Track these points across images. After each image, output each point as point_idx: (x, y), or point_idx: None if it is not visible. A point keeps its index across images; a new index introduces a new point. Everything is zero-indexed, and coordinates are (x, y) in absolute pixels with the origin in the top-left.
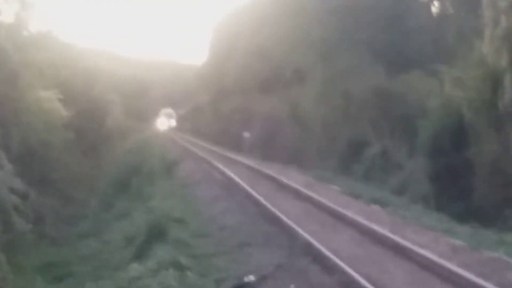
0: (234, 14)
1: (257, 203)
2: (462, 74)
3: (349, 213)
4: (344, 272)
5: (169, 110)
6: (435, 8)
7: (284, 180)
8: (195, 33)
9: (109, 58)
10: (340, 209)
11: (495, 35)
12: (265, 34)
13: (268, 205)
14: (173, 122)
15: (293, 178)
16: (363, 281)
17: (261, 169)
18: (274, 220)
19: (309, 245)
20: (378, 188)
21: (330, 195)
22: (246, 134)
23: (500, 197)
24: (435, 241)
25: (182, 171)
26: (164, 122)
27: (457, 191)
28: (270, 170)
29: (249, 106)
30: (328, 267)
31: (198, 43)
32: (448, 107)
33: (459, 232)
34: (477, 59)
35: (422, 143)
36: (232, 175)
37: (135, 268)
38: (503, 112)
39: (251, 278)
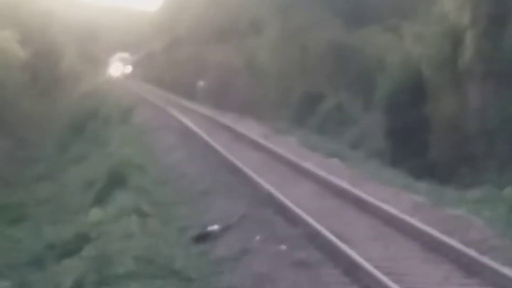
0: None
1: (216, 152)
2: (423, 30)
3: (309, 166)
4: (307, 224)
5: (125, 55)
6: None
7: (241, 130)
8: None
9: (63, 0)
10: (299, 161)
11: None
12: None
13: (228, 155)
14: (128, 68)
15: (250, 129)
16: (327, 234)
17: (217, 118)
18: (234, 170)
19: (271, 196)
20: (334, 141)
21: (288, 147)
22: (201, 83)
23: (456, 155)
24: (396, 197)
25: (138, 118)
26: (119, 67)
27: (413, 147)
28: (226, 119)
29: (204, 55)
30: (291, 219)
31: None
32: (407, 63)
33: (419, 188)
34: (439, 15)
35: (379, 98)
36: (188, 123)
37: (96, 213)
38: (463, 70)
39: (215, 227)
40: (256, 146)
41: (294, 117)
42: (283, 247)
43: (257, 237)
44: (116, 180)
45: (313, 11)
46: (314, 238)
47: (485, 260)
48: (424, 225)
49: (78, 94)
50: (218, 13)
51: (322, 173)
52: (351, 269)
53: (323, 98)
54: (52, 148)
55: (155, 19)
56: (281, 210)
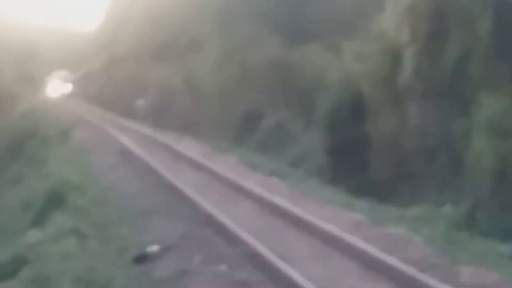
0: None
1: (155, 172)
2: (362, 48)
3: (249, 185)
4: (247, 244)
5: (64, 73)
6: None
7: (181, 149)
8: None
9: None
10: (239, 180)
11: (396, 9)
12: (162, 1)
13: (167, 174)
14: (68, 87)
15: (190, 148)
16: (267, 253)
17: (156, 137)
18: (173, 190)
19: (210, 216)
20: (274, 160)
21: (228, 166)
22: (140, 102)
23: (395, 173)
24: (336, 215)
25: (77, 138)
26: (57, 86)
27: (353, 165)
28: (166, 139)
29: (143, 74)
30: (231, 239)
31: (92, 9)
32: (347, 81)
33: (358, 206)
34: (378, 33)
35: (319, 116)
36: (128, 142)
37: (34, 235)
38: (402, 87)
39: (155, 247)
40: (196, 165)
41: (234, 135)
42: (223, 267)
43: (197, 257)
44: (54, 201)
45: (253, 29)
46: (254, 258)
47: (425, 277)
48: (363, 243)
49: (16, 115)
50: (158, 31)
51: (262, 192)
52: None
53: (264, 117)
54: None
55: (94, 38)
56: (221, 229)
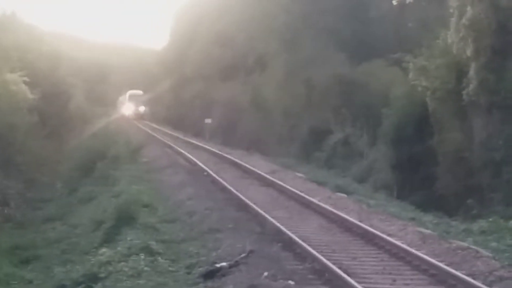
0: None
1: (223, 189)
2: (427, 63)
3: (316, 200)
4: (315, 259)
5: (137, 92)
6: None
7: (249, 166)
8: (155, 17)
9: (70, 41)
10: (306, 196)
11: (460, 24)
12: (227, 20)
13: (235, 191)
14: (142, 108)
15: (257, 165)
16: (335, 269)
17: (224, 155)
18: (242, 206)
19: (279, 232)
20: (341, 175)
21: (295, 182)
22: (208, 120)
23: (462, 187)
24: (403, 230)
25: (146, 156)
26: (131, 107)
27: (420, 180)
28: (234, 156)
29: (210, 93)
30: (299, 254)
31: (159, 27)
32: (412, 96)
33: (426, 221)
34: (442, 48)
35: (385, 131)
36: (196, 160)
37: (105, 253)
38: (467, 101)
39: (224, 264)
40: (263, 182)
41: (301, 152)
42: (291, 282)
43: (265, 273)
44: (124, 219)
45: (318, 46)
46: (322, 273)
47: None
48: (431, 257)
49: (87, 134)
50: (224, 50)
51: (329, 207)
52: None
53: (329, 133)
54: (62, 188)
55: (162, 57)
56: (289, 245)
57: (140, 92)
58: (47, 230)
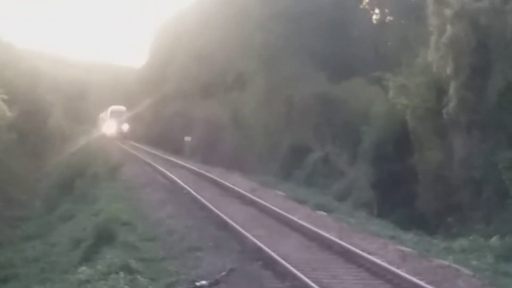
0: (176, 17)
1: (203, 207)
2: (407, 82)
3: (296, 218)
4: (295, 278)
5: (120, 108)
6: (375, 15)
7: (229, 184)
8: (135, 36)
9: (48, 59)
10: (287, 214)
11: (440, 43)
12: (207, 38)
13: (215, 210)
14: (125, 126)
15: (237, 183)
16: (315, 287)
17: (204, 173)
18: (221, 225)
19: (259, 250)
20: (321, 194)
21: (275, 200)
22: (187, 138)
23: (443, 205)
24: (383, 248)
25: (126, 175)
26: (113, 125)
27: (400, 198)
28: (213, 174)
29: (190, 111)
30: (280, 272)
31: (138, 45)
32: (392, 114)
33: (406, 239)
34: (422, 66)
35: (365, 150)
36: (175, 178)
37: (84, 271)
38: (447, 120)
39: (204, 282)
40: (243, 200)
41: (281, 170)
42: None
43: None
44: (104, 237)
45: (298, 65)
46: None
47: None
48: (412, 275)
49: (66, 153)
50: (204, 68)
51: (309, 225)
52: None
53: (309, 151)
54: (41, 207)
55: (142, 75)
56: (270, 264)
57: (123, 108)
58: (26, 249)
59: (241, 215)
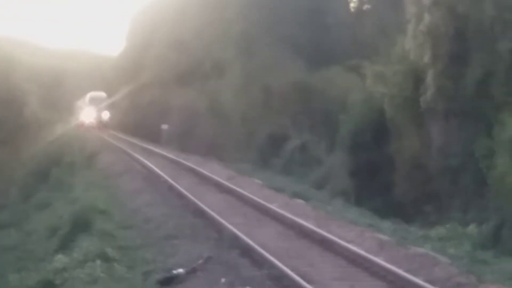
0: (153, 4)
1: (180, 195)
2: (384, 70)
3: (274, 207)
4: (273, 266)
5: (100, 94)
6: (353, 3)
7: (206, 172)
8: (111, 23)
9: (25, 47)
10: (264, 203)
11: (418, 31)
12: (185, 26)
13: (192, 198)
14: (105, 114)
15: (214, 171)
16: (292, 275)
17: (181, 161)
18: (199, 213)
19: (236, 238)
20: (298, 182)
21: (252, 188)
22: (164, 126)
23: (420, 193)
24: (361, 236)
25: (102, 163)
26: (92, 113)
27: (377, 186)
28: (190, 162)
29: (167, 98)
30: (257, 261)
31: (115, 33)
32: (369, 103)
33: (383, 227)
34: (399, 54)
35: (342, 138)
36: (152, 167)
37: (61, 259)
38: (425, 108)
39: (181, 270)
40: (220, 188)
41: (258, 158)
42: None
43: (223, 280)
44: (80, 226)
45: (275, 53)
46: (280, 280)
47: None
48: (389, 263)
49: (43, 141)
50: (181, 56)
51: (287, 214)
52: None
53: (287, 139)
54: (16, 195)
55: (119, 63)
56: (247, 252)
57: (103, 94)
58: (1, 237)
59: (218, 203)
